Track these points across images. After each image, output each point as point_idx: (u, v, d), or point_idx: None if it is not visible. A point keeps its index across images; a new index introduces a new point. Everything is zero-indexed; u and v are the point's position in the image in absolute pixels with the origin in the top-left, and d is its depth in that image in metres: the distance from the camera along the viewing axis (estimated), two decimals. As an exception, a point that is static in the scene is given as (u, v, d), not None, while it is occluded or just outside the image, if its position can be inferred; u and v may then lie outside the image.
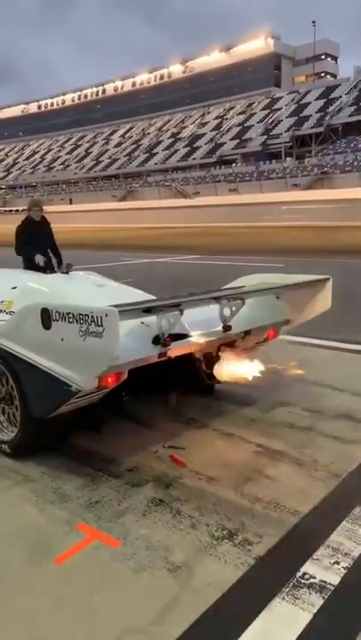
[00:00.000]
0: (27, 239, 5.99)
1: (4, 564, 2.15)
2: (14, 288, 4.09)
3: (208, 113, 69.33)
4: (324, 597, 1.93)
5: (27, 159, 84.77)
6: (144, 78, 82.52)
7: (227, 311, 3.17)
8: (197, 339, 3.14)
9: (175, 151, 65.13)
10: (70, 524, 2.42)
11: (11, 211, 66.21)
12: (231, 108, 67.23)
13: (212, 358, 3.30)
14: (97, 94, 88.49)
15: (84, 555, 2.19)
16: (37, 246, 5.96)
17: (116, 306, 2.52)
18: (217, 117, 67.07)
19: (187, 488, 2.72)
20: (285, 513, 2.47)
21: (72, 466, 2.98)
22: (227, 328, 3.18)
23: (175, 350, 2.96)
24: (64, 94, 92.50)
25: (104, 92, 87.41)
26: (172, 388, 3.50)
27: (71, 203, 63.31)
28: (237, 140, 59.67)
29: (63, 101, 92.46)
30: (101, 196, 61.17)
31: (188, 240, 25.41)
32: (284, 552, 2.21)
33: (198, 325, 3.22)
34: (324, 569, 2.08)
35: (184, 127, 69.85)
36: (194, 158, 61.45)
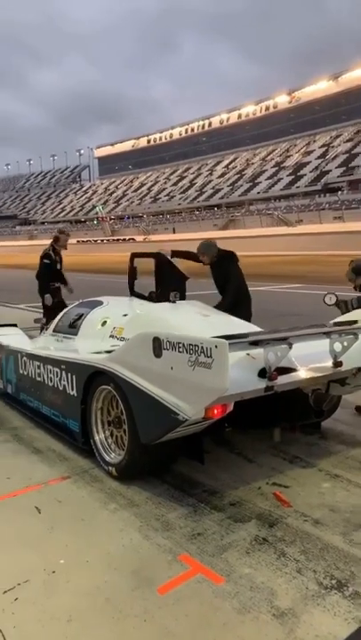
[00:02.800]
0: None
1: (110, 585, 2.20)
2: (125, 315, 4.28)
3: (314, 141, 68.65)
4: None
5: (135, 191, 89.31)
6: (250, 110, 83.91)
7: (338, 346, 3.06)
8: (305, 374, 3.05)
9: (279, 180, 65.04)
10: (173, 553, 2.42)
11: (118, 240, 69.94)
12: (338, 136, 66.01)
13: (320, 395, 3.19)
14: (203, 127, 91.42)
15: (187, 587, 2.18)
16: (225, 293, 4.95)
17: (225, 337, 2.54)
18: (323, 145, 66.15)
19: (291, 529, 2.62)
20: None
21: (175, 494, 3.00)
22: (337, 364, 3.06)
23: (282, 385, 2.90)
24: (172, 128, 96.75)
25: (210, 124, 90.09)
26: (277, 422, 3.42)
27: (174, 232, 65.37)
28: (344, 168, 58.24)
29: (171, 135, 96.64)
30: (203, 226, 62.49)
31: (290, 268, 25.03)
32: None
33: (307, 360, 3.13)
34: None
35: (288, 156, 69.68)
36: (298, 186, 60.90)
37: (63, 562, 2.37)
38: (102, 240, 72.38)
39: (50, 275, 7.05)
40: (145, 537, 2.57)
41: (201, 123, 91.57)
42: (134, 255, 5.11)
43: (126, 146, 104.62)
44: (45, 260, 7.03)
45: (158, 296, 5.07)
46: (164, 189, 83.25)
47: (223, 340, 2.38)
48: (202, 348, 2.45)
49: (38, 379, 4.15)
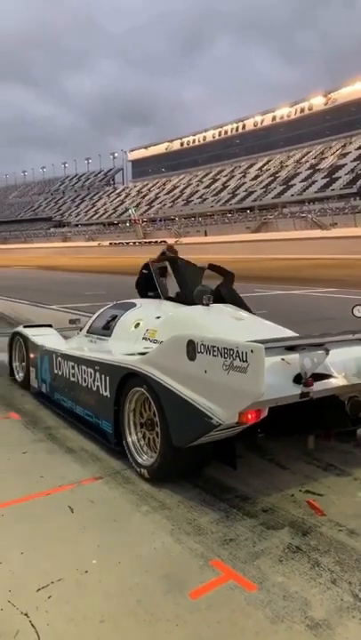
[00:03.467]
0: None
1: (142, 587, 2.20)
2: (158, 318, 4.30)
3: (350, 143, 67.50)
4: None
5: (167, 193, 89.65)
6: (284, 112, 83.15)
7: (375, 353, 2.99)
8: (342, 381, 2.99)
9: (313, 182, 64.24)
10: (205, 558, 2.41)
11: (150, 242, 70.32)
12: (375, 138, 64.75)
13: (357, 402, 3.12)
14: (237, 130, 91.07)
15: (219, 593, 2.16)
16: None
17: (261, 341, 2.52)
18: (359, 147, 64.98)
19: (326, 538, 2.57)
20: None
21: (206, 498, 2.99)
22: (375, 371, 2.99)
23: (318, 391, 2.85)
24: (205, 131, 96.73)
25: (244, 127, 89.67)
26: (312, 430, 3.36)
27: (206, 235, 65.35)
28: (381, 170, 57.10)
29: (204, 138, 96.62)
30: (235, 228, 62.26)
31: (325, 272, 24.66)
32: None
33: (343, 366, 3.07)
34: None
35: (323, 158, 68.75)
36: (332, 189, 59.99)
37: (95, 562, 2.39)
38: (134, 242, 72.91)
39: (147, 285, 7.24)
40: (177, 540, 2.56)
41: (235, 125, 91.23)
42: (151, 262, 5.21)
43: (160, 149, 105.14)
44: (144, 271, 7.26)
45: (186, 295, 5.03)
46: (196, 192, 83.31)
47: (259, 345, 2.36)
48: (237, 352, 2.43)
49: (72, 379, 4.21)
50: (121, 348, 4.17)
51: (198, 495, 3.03)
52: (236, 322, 4.06)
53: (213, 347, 2.59)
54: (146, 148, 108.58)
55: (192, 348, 2.74)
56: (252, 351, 2.37)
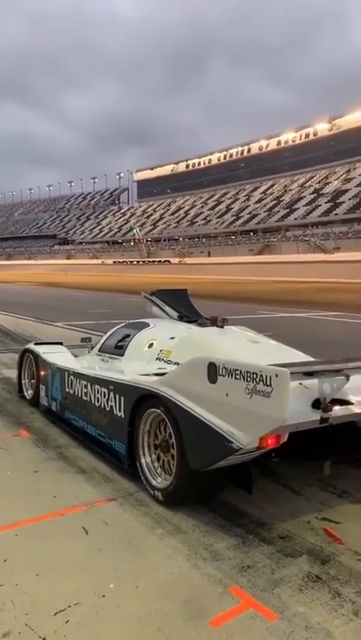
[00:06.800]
0: None
1: (162, 614, 2.17)
2: (172, 338, 4.30)
3: (354, 169, 68.34)
4: None
5: (172, 214, 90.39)
6: (289, 137, 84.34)
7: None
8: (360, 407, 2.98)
9: (317, 207, 64.81)
10: (224, 585, 2.37)
11: (154, 261, 70.69)
12: (378, 164, 65.51)
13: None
14: (242, 153, 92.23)
15: (239, 622, 2.12)
16: None
17: (284, 366, 2.52)
18: (363, 173, 65.71)
19: (345, 568, 2.53)
20: None
21: (222, 523, 2.95)
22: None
23: (337, 417, 2.84)
24: (211, 154, 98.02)
25: (249, 151, 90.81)
26: (328, 455, 3.34)
27: (209, 255, 65.74)
28: (384, 196, 57.64)
29: (210, 161, 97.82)
30: (238, 250, 62.66)
31: (328, 296, 24.73)
32: None
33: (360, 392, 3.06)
34: None
35: (327, 183, 69.51)
36: (336, 214, 60.49)
37: (113, 586, 2.35)
38: (138, 261, 73.33)
39: None
40: (194, 566, 2.52)
41: (240, 149, 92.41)
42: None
43: (165, 170, 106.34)
44: None
45: (189, 316, 5.01)
46: (200, 213, 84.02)
47: (285, 369, 2.36)
48: (261, 376, 2.44)
49: (85, 398, 4.20)
50: (134, 368, 4.17)
51: (213, 520, 2.99)
52: (252, 344, 4.06)
53: (236, 370, 2.59)
54: (152, 169, 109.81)
55: (213, 371, 2.74)
56: (276, 375, 2.37)
